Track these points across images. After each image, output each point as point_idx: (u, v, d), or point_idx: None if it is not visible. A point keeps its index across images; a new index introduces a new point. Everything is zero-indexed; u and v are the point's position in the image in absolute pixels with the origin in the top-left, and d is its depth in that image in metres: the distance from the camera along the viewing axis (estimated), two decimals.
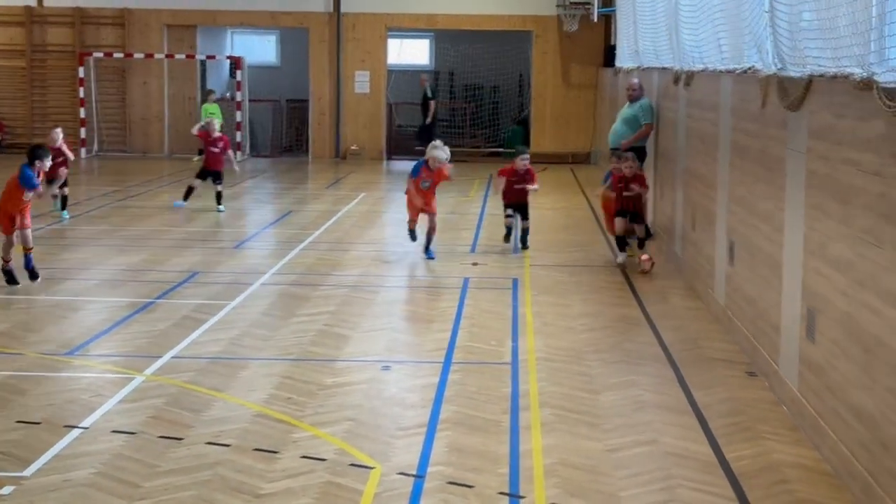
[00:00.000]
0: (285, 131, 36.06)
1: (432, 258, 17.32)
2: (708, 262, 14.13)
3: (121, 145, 33.88)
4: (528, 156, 18.46)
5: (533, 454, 8.78)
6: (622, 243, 16.98)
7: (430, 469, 8.44)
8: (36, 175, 14.77)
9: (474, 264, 17.08)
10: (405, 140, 34.74)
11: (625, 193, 17.05)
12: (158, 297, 14.34)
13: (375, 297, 14.51)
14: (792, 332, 9.85)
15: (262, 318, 13.44)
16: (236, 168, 24.43)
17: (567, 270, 16.63)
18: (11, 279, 14.81)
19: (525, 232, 18.30)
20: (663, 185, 18.57)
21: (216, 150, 22.44)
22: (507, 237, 18.46)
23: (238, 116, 33.00)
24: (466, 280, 15.85)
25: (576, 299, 14.61)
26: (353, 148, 33.59)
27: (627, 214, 16.86)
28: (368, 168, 31.72)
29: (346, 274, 16.11)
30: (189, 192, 22.54)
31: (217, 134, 22.57)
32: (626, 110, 19.43)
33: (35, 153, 14.98)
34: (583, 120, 33.46)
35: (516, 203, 18.35)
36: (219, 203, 22.32)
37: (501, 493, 7.98)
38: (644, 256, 16.57)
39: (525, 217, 18.34)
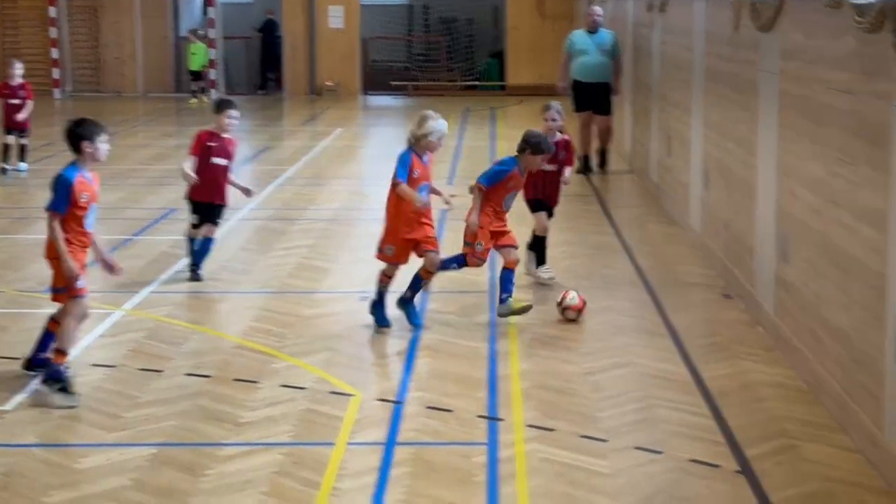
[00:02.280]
0: (258, 69, 35.78)
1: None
2: (683, 188, 14.17)
3: (94, 85, 33.59)
4: (558, 112, 11.63)
5: (511, 378, 8.86)
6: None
7: (409, 395, 8.51)
8: None
9: (452, 196, 17.01)
10: (381, 75, 34.56)
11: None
12: (136, 234, 14.32)
13: (353, 231, 14.52)
14: (767, 253, 9.92)
15: (240, 252, 13.45)
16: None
17: None
18: None
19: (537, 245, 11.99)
20: (638, 113, 18.57)
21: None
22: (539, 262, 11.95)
23: (212, 54, 32.75)
24: (443, 213, 15.84)
25: (553, 229, 14.61)
26: (328, 84, 33.40)
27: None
28: (345, 104, 31.56)
29: (324, 208, 16.10)
30: None
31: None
32: (592, 40, 18.83)
33: None
34: (559, 52, 33.26)
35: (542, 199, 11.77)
36: None
37: (480, 417, 8.05)
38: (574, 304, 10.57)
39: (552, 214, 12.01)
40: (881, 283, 6.99)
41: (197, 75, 31.41)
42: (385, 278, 10.17)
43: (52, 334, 8.67)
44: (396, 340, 9.90)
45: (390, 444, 7.58)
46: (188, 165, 11.40)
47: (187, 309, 10.88)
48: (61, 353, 8.38)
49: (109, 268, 8.68)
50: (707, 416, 8.02)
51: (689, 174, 13.69)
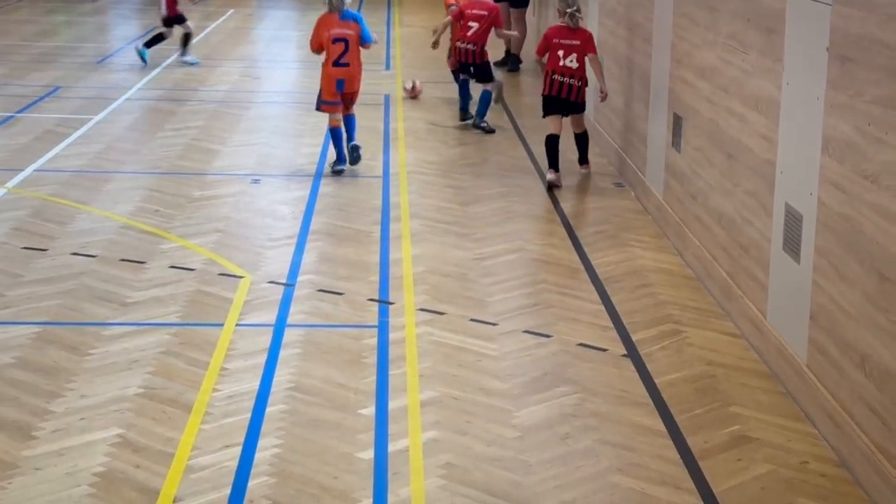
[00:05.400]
0: None
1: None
2: None
3: None
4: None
5: (403, 263, 8.85)
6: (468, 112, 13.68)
7: (300, 278, 8.46)
8: None
9: None
10: None
11: (462, 45, 13.36)
12: (18, 112, 13.92)
13: (245, 113, 14.30)
14: (658, 141, 9.97)
15: (128, 132, 13.16)
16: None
17: (439, 87, 16.52)
18: None
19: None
20: (539, 4, 18.43)
21: None
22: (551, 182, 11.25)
23: None
24: None
25: (447, 114, 14.56)
26: None
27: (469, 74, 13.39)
28: None
29: (215, 89, 15.80)
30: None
31: None
32: None
33: None
34: None
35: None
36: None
37: (371, 300, 8.04)
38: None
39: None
40: (769, 170, 7.07)
41: None
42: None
43: None
44: (288, 223, 9.81)
45: (280, 325, 7.53)
46: None
47: (73, 188, 10.63)
48: None
49: None
50: (595, 302, 8.10)
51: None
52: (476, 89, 13.78)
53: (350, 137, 11.58)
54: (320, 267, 8.74)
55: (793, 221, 6.62)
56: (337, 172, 11.44)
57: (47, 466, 5.62)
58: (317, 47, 11.51)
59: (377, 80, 16.88)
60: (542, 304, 8.06)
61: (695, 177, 8.83)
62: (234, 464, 5.68)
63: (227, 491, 5.44)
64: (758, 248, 7.27)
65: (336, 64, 11.37)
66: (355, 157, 11.56)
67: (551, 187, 11.00)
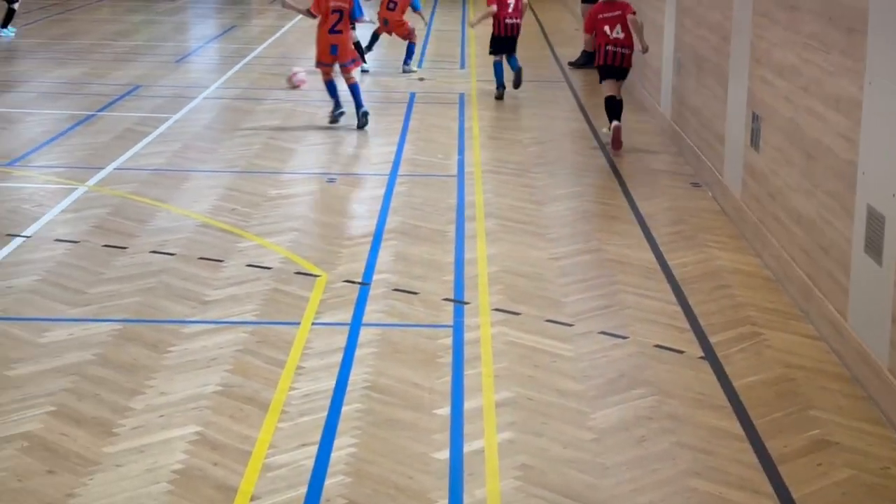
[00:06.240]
0: None
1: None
2: (655, 76, 14.07)
3: None
4: None
5: (478, 262, 8.84)
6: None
7: (375, 277, 8.48)
8: None
9: (421, 79, 16.91)
10: None
11: (506, 21, 15.07)
12: (100, 111, 14.12)
13: (321, 112, 14.36)
14: (736, 141, 9.88)
15: (206, 131, 13.30)
16: None
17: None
18: None
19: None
20: None
21: None
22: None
23: None
24: (412, 95, 15.72)
25: (523, 114, 14.56)
26: None
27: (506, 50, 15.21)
28: None
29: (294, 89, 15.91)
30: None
31: None
32: None
33: None
34: None
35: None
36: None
37: (446, 300, 8.04)
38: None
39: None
40: (850, 170, 6.97)
41: None
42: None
43: None
44: (363, 222, 9.85)
45: (356, 324, 7.56)
46: None
47: (152, 186, 10.76)
48: None
49: None
50: (672, 303, 8.03)
51: (661, 61, 13.57)
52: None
53: (359, 104, 13.28)
54: (395, 266, 8.76)
55: (875, 223, 6.52)
56: (336, 118, 13.47)
57: (128, 463, 5.68)
58: (316, 11, 13.22)
59: (452, 78, 16.91)
60: (617, 304, 8.02)
61: (773, 177, 8.72)
62: (310, 463, 5.71)
63: (304, 490, 5.47)
64: (838, 250, 7.17)
65: (332, 31, 13.20)
66: (364, 122, 13.26)
67: (615, 141, 12.27)
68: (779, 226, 8.52)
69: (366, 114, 13.32)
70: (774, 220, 8.64)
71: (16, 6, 19.96)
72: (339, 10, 13.20)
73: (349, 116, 13.45)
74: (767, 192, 8.88)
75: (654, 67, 14.14)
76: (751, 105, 9.43)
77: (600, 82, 12.77)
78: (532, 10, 25.82)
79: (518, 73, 15.25)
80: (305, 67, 15.85)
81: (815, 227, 7.66)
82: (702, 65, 11.46)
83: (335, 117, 13.49)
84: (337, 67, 13.46)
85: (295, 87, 15.57)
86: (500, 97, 15.25)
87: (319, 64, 13.49)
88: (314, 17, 13.35)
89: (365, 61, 16.90)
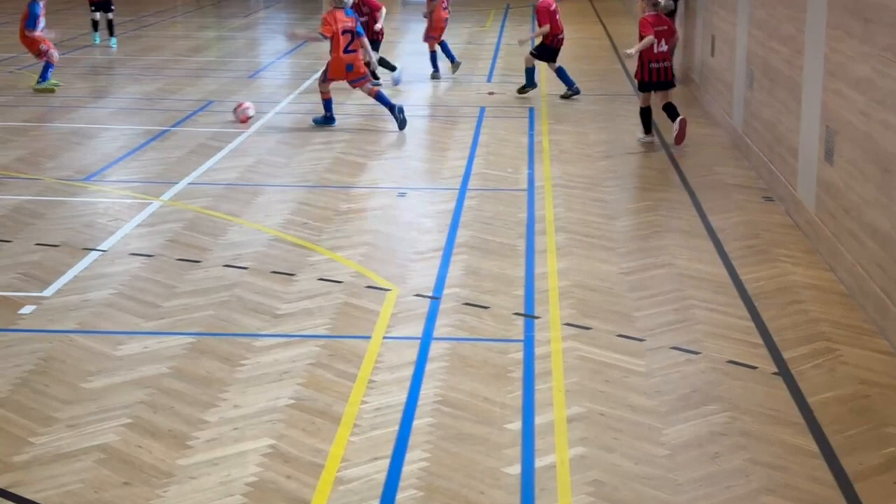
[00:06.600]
0: None
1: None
2: (726, 88, 13.98)
3: None
4: None
5: (548, 277, 8.82)
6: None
7: (446, 291, 8.50)
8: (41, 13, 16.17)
9: (490, 93, 16.94)
10: None
11: (560, 35, 16.42)
12: (174, 126, 14.30)
13: (391, 126, 14.43)
14: (810, 154, 9.78)
15: (278, 146, 13.41)
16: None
17: (584, 99, 16.49)
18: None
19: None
20: (682, 13, 18.24)
21: None
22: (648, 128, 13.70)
23: None
24: (482, 109, 15.75)
25: (592, 128, 14.53)
26: None
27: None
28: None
29: (363, 103, 15.97)
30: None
31: None
32: None
33: None
34: None
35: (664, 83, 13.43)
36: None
37: (517, 314, 8.04)
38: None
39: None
40: None
41: None
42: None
43: None
44: (434, 236, 9.88)
45: (426, 338, 7.58)
46: None
47: (225, 201, 10.88)
48: None
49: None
50: (745, 318, 7.97)
51: (734, 74, 13.48)
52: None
53: (391, 105, 14.09)
54: (466, 280, 8.77)
55: None
56: (322, 123, 14.30)
57: (201, 475, 5.74)
58: (330, 34, 13.82)
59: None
60: (689, 319, 7.96)
61: (848, 191, 8.63)
62: (382, 476, 5.74)
63: None
64: None
65: (346, 51, 13.90)
66: (403, 118, 14.05)
67: (679, 135, 13.01)
68: (854, 240, 8.42)
69: (401, 109, 14.09)
70: (849, 235, 8.54)
71: (111, 16, 20.68)
72: (350, 31, 13.97)
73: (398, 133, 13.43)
74: (842, 206, 8.78)
75: (725, 80, 14.05)
76: (825, 118, 9.33)
77: (641, 92, 13.39)
78: (602, 24, 25.80)
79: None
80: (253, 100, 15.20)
81: (891, 242, 7.56)
82: (774, 77, 11.37)
83: (323, 120, 14.32)
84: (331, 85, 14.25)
85: (241, 121, 14.45)
86: (523, 91, 16.56)
87: (328, 81, 14.15)
88: (326, 38, 13.94)
89: (378, 77, 16.92)
